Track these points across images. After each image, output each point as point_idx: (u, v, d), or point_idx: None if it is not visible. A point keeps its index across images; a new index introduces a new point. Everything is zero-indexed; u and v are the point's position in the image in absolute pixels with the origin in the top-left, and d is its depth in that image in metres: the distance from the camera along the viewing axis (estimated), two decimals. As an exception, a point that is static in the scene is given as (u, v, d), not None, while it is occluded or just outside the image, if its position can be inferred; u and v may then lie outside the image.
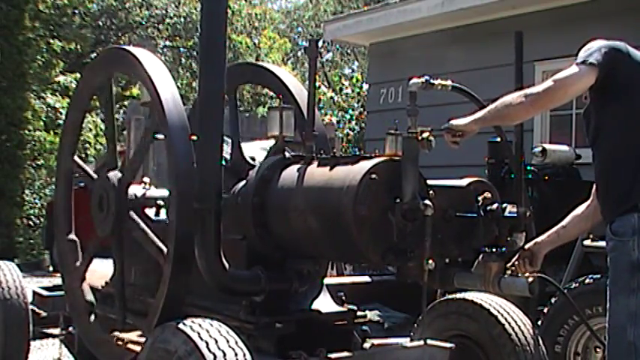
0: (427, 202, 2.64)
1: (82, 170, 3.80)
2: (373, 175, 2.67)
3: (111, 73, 3.65)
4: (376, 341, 3.29)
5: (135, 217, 3.33)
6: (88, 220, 3.54)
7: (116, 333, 3.29)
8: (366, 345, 3.24)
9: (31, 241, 12.50)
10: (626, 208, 2.65)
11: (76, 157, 3.85)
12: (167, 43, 23.26)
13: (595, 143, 2.82)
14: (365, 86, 11.85)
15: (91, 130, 14.47)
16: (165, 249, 3.09)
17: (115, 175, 3.40)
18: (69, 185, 3.90)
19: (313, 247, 3.01)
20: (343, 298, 3.33)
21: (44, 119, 13.27)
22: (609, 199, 2.76)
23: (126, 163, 3.63)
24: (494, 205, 2.87)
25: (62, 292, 3.91)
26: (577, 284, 3.96)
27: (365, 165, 2.73)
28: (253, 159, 3.71)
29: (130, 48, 3.46)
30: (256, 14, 24.07)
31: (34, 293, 4.70)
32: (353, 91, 13.26)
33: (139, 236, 3.27)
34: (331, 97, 13.75)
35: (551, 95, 2.68)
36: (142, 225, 3.28)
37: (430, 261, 2.67)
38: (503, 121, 2.94)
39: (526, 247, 2.99)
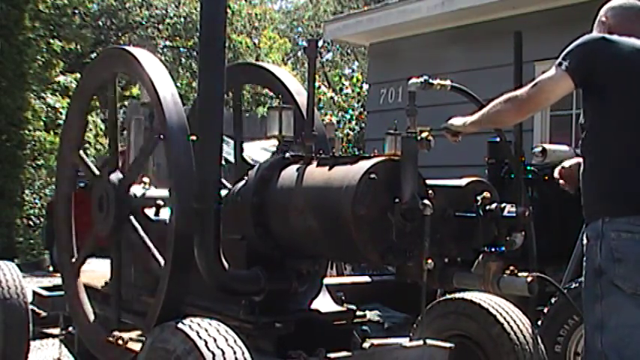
0: (426, 201, 2.65)
1: (84, 165, 3.74)
2: (372, 175, 2.67)
3: (114, 74, 3.58)
4: (376, 341, 3.29)
5: (134, 221, 3.33)
6: (88, 220, 3.53)
7: (116, 333, 3.28)
8: (366, 345, 3.23)
9: (31, 241, 12.48)
10: (597, 212, 2.66)
11: (81, 153, 3.78)
12: (167, 43, 23.27)
13: (581, 141, 2.81)
14: (365, 86, 11.84)
15: (91, 130, 14.46)
16: (160, 257, 3.10)
17: (116, 176, 3.40)
18: (70, 185, 3.90)
19: (313, 246, 3.01)
20: (343, 298, 3.34)
21: (44, 119, 13.26)
22: (586, 202, 2.75)
23: (126, 163, 3.62)
24: (493, 205, 2.87)
25: (62, 292, 3.91)
26: (577, 284, 3.95)
27: (364, 165, 2.73)
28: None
29: (130, 48, 3.45)
30: (256, 14, 24.08)
31: (34, 293, 4.70)
32: (353, 91, 13.24)
33: (137, 242, 3.27)
34: (331, 97, 13.74)
35: (534, 101, 2.72)
36: (140, 231, 3.28)
37: (429, 261, 2.66)
38: (494, 124, 3.00)
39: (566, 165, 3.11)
